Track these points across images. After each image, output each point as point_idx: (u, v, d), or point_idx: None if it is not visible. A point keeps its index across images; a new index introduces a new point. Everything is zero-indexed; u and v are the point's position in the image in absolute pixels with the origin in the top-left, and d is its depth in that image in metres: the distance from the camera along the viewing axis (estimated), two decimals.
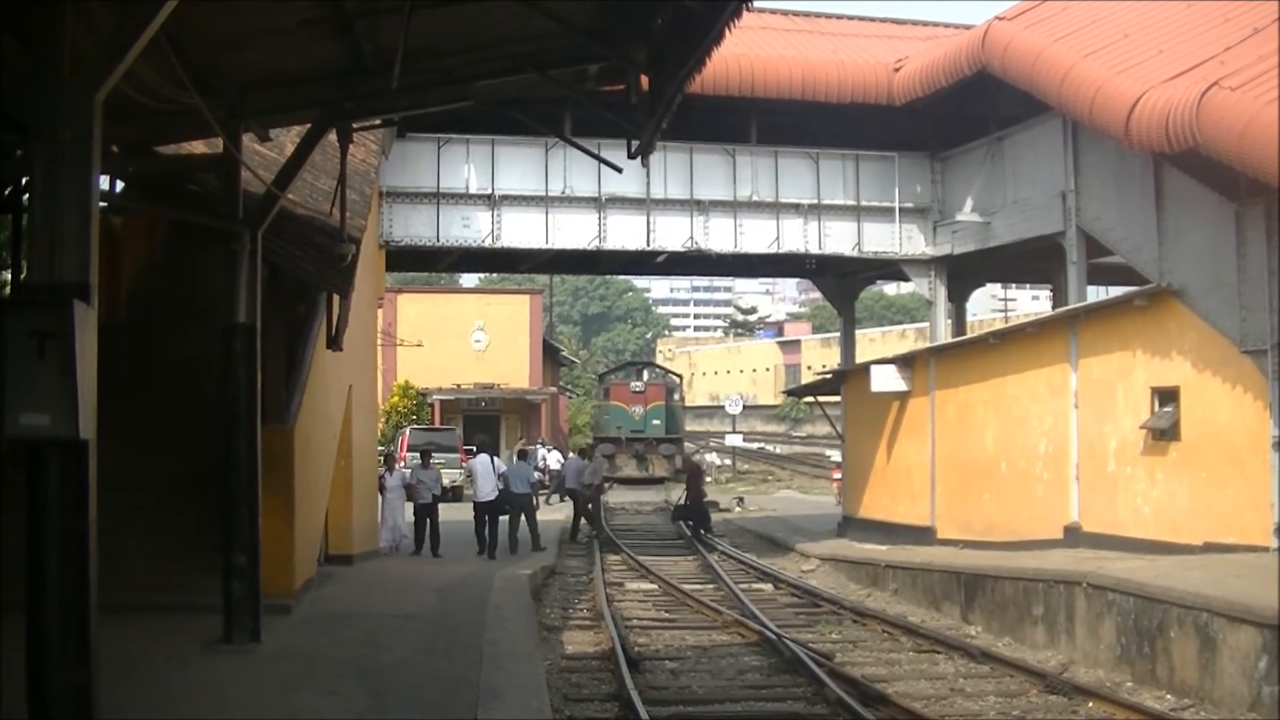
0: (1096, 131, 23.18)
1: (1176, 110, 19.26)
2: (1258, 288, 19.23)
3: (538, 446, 53.76)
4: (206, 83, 12.40)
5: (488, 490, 27.66)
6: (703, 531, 34.05)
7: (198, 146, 16.12)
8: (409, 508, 27.59)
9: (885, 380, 30.27)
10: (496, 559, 26.44)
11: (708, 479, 61.55)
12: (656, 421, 59.01)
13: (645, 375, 64.10)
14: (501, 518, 27.91)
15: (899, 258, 32.58)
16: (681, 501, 36.49)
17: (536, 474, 34.42)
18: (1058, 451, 24.09)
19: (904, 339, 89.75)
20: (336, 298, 18.69)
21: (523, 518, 28.27)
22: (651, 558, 29.33)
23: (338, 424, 21.51)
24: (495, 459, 29.48)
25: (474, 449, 28.92)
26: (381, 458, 30.47)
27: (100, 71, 7.82)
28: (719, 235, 31.64)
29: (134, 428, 15.63)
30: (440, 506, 27.67)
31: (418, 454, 30.11)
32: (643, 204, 31.10)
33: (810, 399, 42.96)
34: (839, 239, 32.22)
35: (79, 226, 7.66)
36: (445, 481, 32.77)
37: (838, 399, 36.80)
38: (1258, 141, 17.48)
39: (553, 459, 52.66)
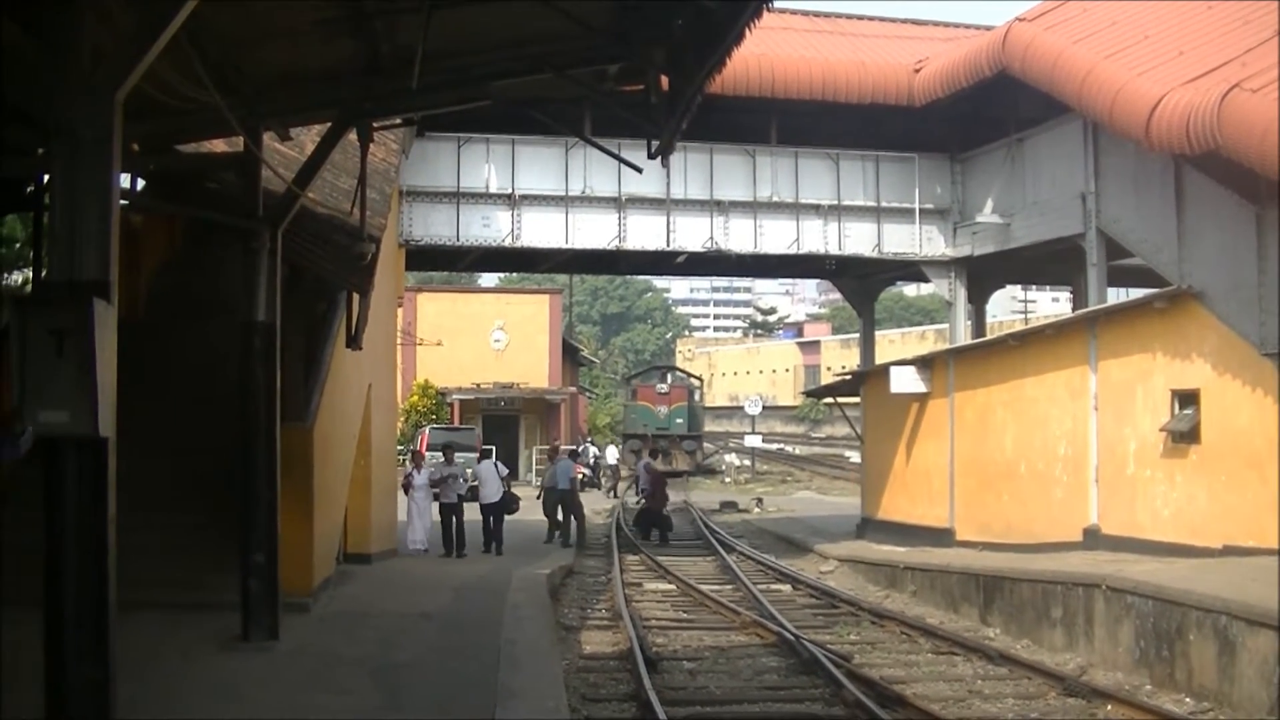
0: (1117, 133, 23.14)
1: (1197, 112, 19.21)
2: (1277, 291, 19.17)
3: (588, 445, 55.29)
4: (226, 82, 12.44)
5: (491, 493, 27.92)
6: (655, 534, 34.23)
7: (218, 145, 16.16)
8: (434, 507, 27.57)
9: (904, 382, 30.25)
10: (503, 555, 26.95)
11: (726, 480, 62.19)
12: (680, 420, 63.61)
13: (669, 378, 68.27)
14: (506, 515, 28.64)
15: (919, 259, 32.58)
16: (639, 505, 35.73)
17: (585, 470, 34.83)
18: (1077, 454, 24.04)
19: (923, 340, 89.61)
20: (356, 296, 18.72)
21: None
22: (670, 558, 29.32)
23: (357, 423, 21.55)
24: (499, 464, 29.71)
25: (479, 454, 28.90)
26: (409, 455, 30.48)
27: (120, 70, 7.85)
28: (739, 236, 31.67)
29: (153, 425, 15.64)
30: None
31: (439, 451, 29.84)
32: (662, 204, 31.13)
33: (829, 400, 42.94)
34: (859, 240, 32.24)
35: (99, 224, 7.69)
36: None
37: (857, 400, 36.78)
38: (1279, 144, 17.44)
39: (610, 454, 56.40)
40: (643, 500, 36.31)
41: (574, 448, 46.84)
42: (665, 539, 33.92)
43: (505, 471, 29.77)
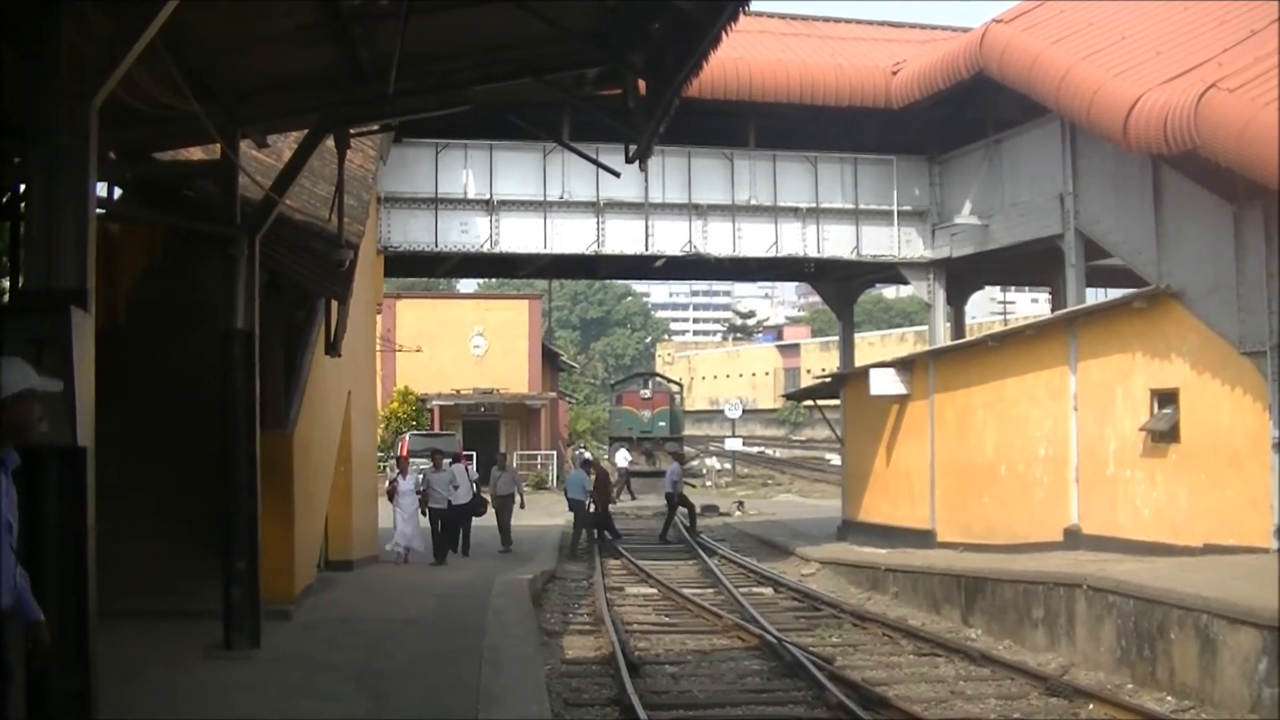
0: (1095, 134, 23.21)
1: (1175, 112, 19.27)
2: (1256, 290, 19.25)
3: (580, 450, 56.33)
4: (204, 88, 12.38)
5: (463, 495, 27.77)
6: (609, 536, 33.77)
7: (195, 153, 16.10)
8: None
9: (884, 384, 30.28)
10: (470, 556, 27.20)
11: (707, 484, 62.36)
12: (662, 423, 65.03)
13: (650, 384, 70.31)
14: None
15: (898, 261, 32.63)
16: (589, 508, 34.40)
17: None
18: (1057, 454, 24.10)
19: (903, 342, 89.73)
20: (335, 303, 18.67)
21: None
22: (651, 562, 29.30)
23: (337, 429, 21.50)
24: (470, 468, 29.68)
25: (452, 458, 28.72)
26: (394, 460, 30.30)
27: (97, 77, 7.80)
28: (717, 239, 31.69)
29: (133, 434, 15.57)
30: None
31: (426, 458, 29.43)
32: (641, 208, 31.14)
33: (810, 403, 42.96)
34: (837, 242, 32.28)
35: (76, 233, 7.64)
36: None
37: (837, 403, 36.78)
38: (1256, 143, 17.50)
39: (620, 457, 57.65)
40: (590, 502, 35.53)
41: (586, 456, 47.51)
42: (602, 537, 33.51)
43: (475, 475, 29.83)
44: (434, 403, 59.48)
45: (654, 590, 24.86)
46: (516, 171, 30.72)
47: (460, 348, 62.61)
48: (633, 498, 52.67)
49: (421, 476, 27.92)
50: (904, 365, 30.64)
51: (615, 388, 77.08)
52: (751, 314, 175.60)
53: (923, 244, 32.42)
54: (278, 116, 15.26)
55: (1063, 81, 23.49)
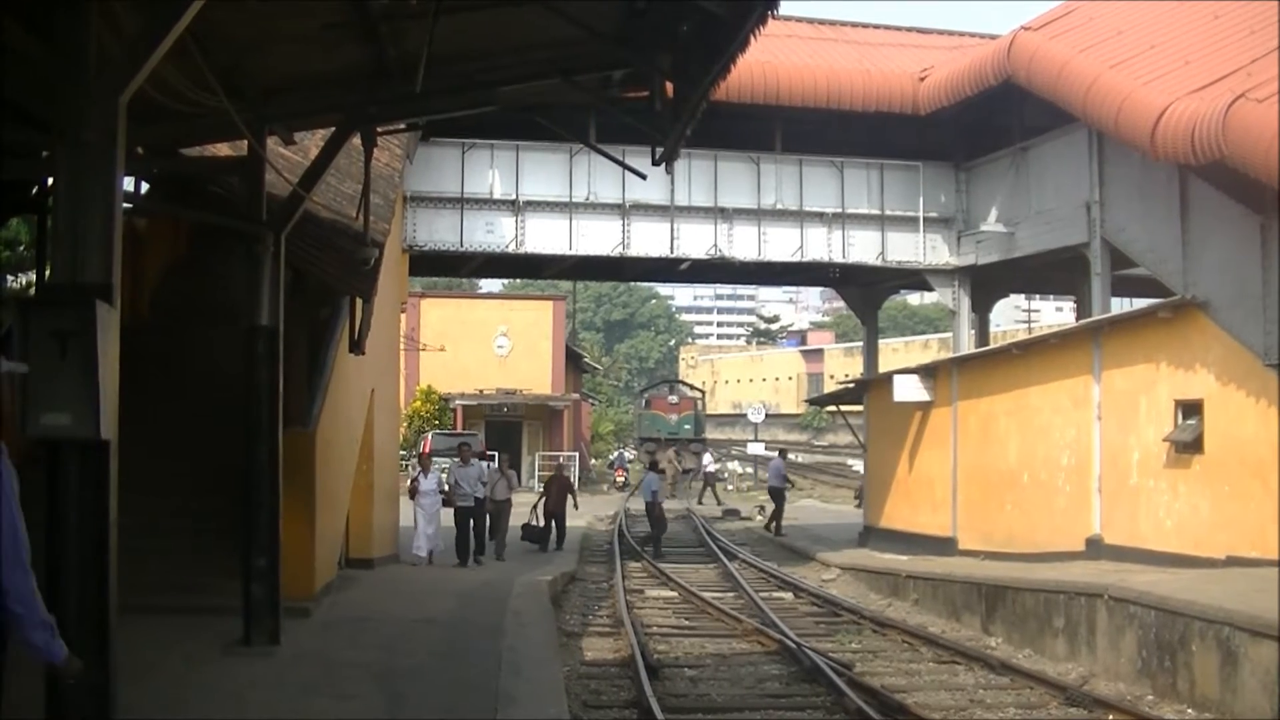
0: (1122, 142, 23.15)
1: (1202, 122, 19.20)
2: None
3: (621, 452, 60.43)
4: (231, 85, 12.42)
5: (481, 492, 27.44)
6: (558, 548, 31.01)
7: (222, 149, 16.14)
8: (445, 513, 26.89)
9: (908, 390, 30.23)
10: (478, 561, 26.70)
11: (729, 487, 62.32)
12: (687, 426, 70.74)
13: (676, 390, 77.14)
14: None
15: (923, 267, 32.61)
16: (534, 521, 31.35)
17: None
18: (1080, 463, 24.01)
19: (927, 349, 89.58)
20: (359, 301, 18.70)
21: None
22: (672, 565, 29.27)
23: (359, 427, 21.51)
24: (487, 467, 29.61)
25: (477, 456, 28.24)
26: (415, 458, 30.19)
27: (125, 73, 7.83)
28: (743, 243, 31.71)
29: (155, 428, 15.62)
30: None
31: (457, 452, 28.33)
32: (667, 211, 31.16)
33: (833, 408, 42.94)
34: (863, 248, 32.28)
35: (103, 227, 7.68)
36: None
37: (860, 408, 36.75)
38: None
39: (706, 460, 60.84)
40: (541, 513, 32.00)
41: (655, 460, 47.81)
42: (550, 547, 31.03)
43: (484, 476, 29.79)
44: (457, 402, 59.48)
45: (674, 593, 24.84)
46: (542, 172, 30.79)
47: (484, 348, 62.61)
48: (718, 502, 52.85)
49: (447, 473, 27.68)
50: (928, 372, 30.58)
51: (643, 393, 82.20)
52: (775, 318, 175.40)
53: (948, 251, 32.38)
54: (304, 114, 15.31)
55: (1090, 90, 23.43)
